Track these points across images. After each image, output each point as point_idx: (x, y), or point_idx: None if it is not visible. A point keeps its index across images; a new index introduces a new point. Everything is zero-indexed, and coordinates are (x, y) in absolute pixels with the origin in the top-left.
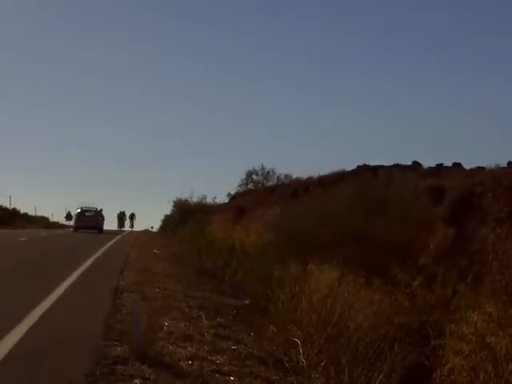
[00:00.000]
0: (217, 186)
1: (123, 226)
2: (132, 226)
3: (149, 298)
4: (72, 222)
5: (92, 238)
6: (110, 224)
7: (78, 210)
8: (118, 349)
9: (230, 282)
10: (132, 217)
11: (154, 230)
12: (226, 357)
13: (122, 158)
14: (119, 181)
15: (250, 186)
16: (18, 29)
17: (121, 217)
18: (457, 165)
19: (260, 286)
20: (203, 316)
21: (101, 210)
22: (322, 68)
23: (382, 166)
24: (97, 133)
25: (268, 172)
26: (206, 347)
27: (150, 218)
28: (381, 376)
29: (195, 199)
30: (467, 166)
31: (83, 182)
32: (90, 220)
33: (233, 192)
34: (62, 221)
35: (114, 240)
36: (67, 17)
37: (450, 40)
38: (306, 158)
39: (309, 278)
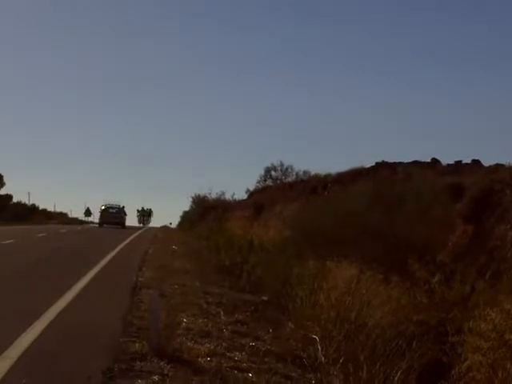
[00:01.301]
0: (235, 182)
1: (143, 223)
2: (148, 223)
3: (167, 294)
4: (91, 218)
5: (111, 234)
6: (129, 220)
7: (103, 207)
8: (137, 345)
9: (248, 278)
10: (149, 213)
11: (173, 226)
12: (244, 353)
13: (141, 155)
14: (138, 177)
15: (269, 183)
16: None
17: (141, 213)
18: (476, 162)
19: (278, 283)
20: (221, 312)
21: (123, 206)
22: (342, 64)
23: (400, 163)
24: (117, 130)
25: (287, 168)
26: (224, 344)
27: (169, 214)
28: (399, 373)
29: (214, 195)
30: (486, 162)
31: (102, 178)
32: (113, 216)
33: (251, 188)
34: (81, 217)
35: (133, 236)
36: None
37: (466, 38)
38: (324, 155)
39: (327, 275)
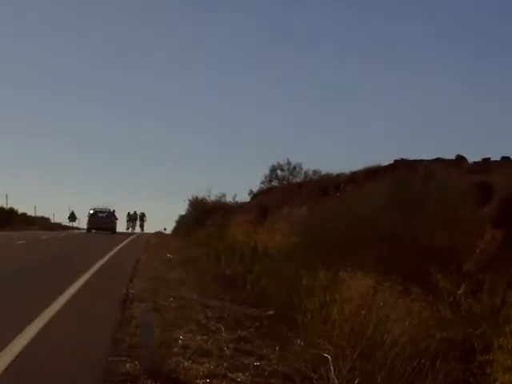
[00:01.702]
0: (237, 182)
1: (134, 228)
2: (142, 228)
3: (161, 308)
4: (76, 223)
5: (98, 241)
6: (119, 226)
7: (91, 211)
8: (128, 365)
9: (252, 290)
10: (142, 217)
11: (168, 231)
12: (247, 374)
13: (132, 154)
14: (129, 178)
15: (275, 183)
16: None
17: (133, 217)
18: (506, 159)
19: (285, 295)
20: (222, 328)
21: (114, 211)
22: (356, 51)
23: (421, 161)
24: (102, 127)
25: (294, 167)
26: (225, 363)
27: (163, 218)
28: None
29: (213, 198)
30: None
31: (89, 179)
32: (103, 221)
33: (255, 189)
34: (65, 222)
35: (124, 243)
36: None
37: (490, 30)
38: (336, 152)
39: (340, 286)
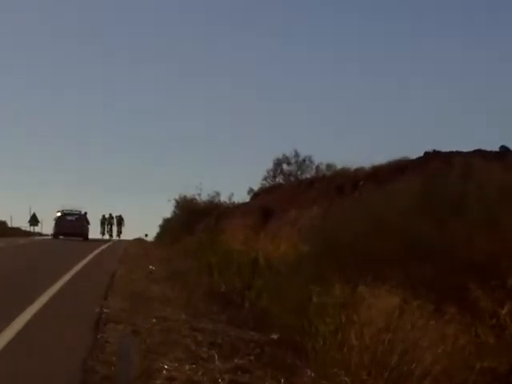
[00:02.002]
0: (234, 179)
1: (110, 234)
2: (119, 234)
3: (142, 331)
4: (39, 228)
5: (66, 250)
6: (92, 231)
7: (59, 214)
8: None
9: (251, 309)
10: (120, 222)
11: (149, 238)
12: None
13: (105, 146)
14: (101, 175)
15: (280, 180)
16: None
17: (108, 221)
18: None
19: (293, 315)
20: (216, 356)
21: (85, 213)
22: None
23: (457, 153)
24: (68, 113)
25: (304, 160)
26: None
27: (144, 222)
28: None
29: (205, 197)
30: None
31: (52, 175)
32: (72, 225)
33: (256, 188)
34: (25, 226)
35: (96, 252)
36: None
37: None
38: (354, 142)
39: (359, 305)
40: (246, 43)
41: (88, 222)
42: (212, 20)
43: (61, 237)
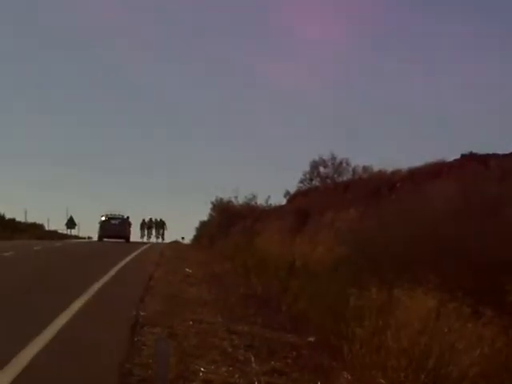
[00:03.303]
0: (271, 182)
1: (149, 237)
2: (162, 237)
3: (178, 334)
4: (76, 231)
5: (102, 253)
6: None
7: (103, 218)
8: None
9: (288, 312)
10: (162, 225)
11: (186, 241)
12: None
13: (143, 151)
14: (139, 179)
15: (316, 182)
16: None
17: (148, 225)
18: None
19: (330, 318)
20: (252, 359)
21: (128, 217)
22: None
23: (494, 155)
24: (109, 118)
25: (340, 163)
26: None
27: (181, 225)
28: None
29: (241, 200)
30: None
31: (89, 177)
32: (116, 229)
33: (292, 190)
34: (62, 229)
35: (133, 255)
36: None
37: None
38: (391, 145)
39: (396, 308)
40: None
41: (130, 225)
42: None
43: (104, 239)
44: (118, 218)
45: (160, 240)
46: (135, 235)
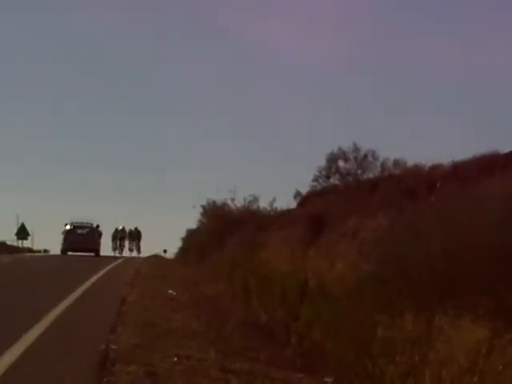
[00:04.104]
0: (276, 180)
1: (122, 250)
2: (138, 250)
3: (159, 373)
4: (29, 243)
5: (64, 271)
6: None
7: (68, 227)
8: None
9: (299, 345)
10: (138, 235)
11: (169, 254)
12: None
13: (114, 145)
14: (107, 177)
15: (335, 181)
16: None
17: (120, 236)
18: None
19: (352, 353)
20: None
21: (97, 226)
22: None
23: None
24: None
25: (365, 156)
26: None
27: (161, 236)
28: None
29: (239, 203)
30: None
31: (49, 179)
32: (83, 240)
33: (304, 191)
34: (11, 239)
35: (102, 272)
36: None
37: None
38: (428, 134)
39: (436, 339)
40: None
41: (100, 236)
42: None
43: (69, 253)
44: (86, 227)
45: (135, 254)
46: (106, 248)
